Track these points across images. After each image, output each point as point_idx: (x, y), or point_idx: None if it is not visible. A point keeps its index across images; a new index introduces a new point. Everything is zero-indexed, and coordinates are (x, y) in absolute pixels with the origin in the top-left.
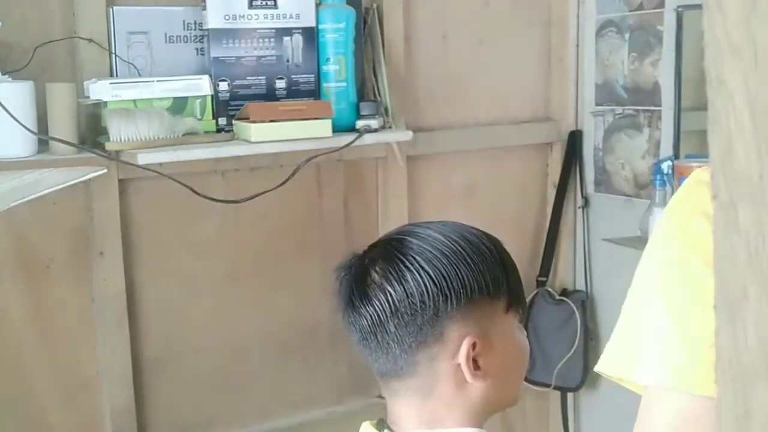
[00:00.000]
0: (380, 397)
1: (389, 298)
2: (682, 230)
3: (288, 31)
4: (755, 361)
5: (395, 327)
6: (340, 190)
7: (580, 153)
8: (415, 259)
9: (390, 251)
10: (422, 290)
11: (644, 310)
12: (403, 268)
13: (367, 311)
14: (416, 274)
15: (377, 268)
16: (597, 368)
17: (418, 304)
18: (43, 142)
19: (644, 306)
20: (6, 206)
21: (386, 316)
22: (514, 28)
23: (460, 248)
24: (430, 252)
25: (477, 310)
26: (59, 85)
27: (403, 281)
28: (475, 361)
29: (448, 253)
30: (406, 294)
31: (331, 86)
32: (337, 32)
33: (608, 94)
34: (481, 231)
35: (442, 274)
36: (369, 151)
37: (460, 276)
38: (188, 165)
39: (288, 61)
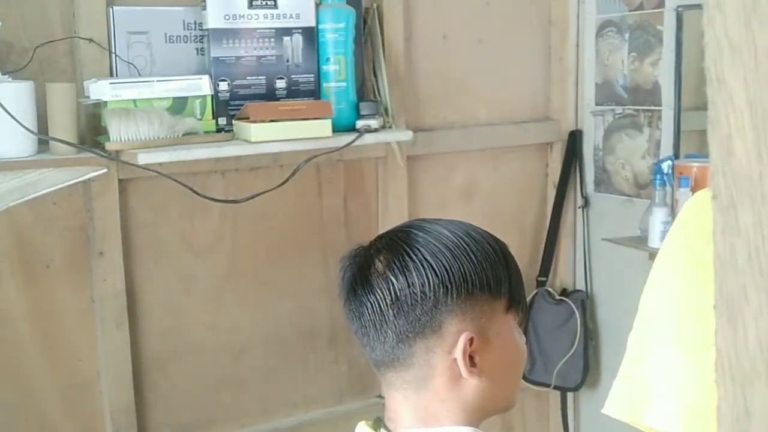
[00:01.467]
0: (380, 396)
1: (391, 287)
2: (693, 259)
3: (288, 31)
4: (755, 361)
5: (394, 316)
6: (340, 190)
7: (580, 153)
8: (419, 250)
9: (395, 242)
10: (423, 281)
11: (653, 343)
12: (407, 258)
13: (369, 299)
14: (419, 264)
15: (381, 258)
16: (605, 411)
17: (419, 294)
18: (43, 142)
19: (653, 338)
20: (6, 206)
21: (386, 305)
22: (514, 28)
23: (464, 243)
24: (435, 245)
25: (477, 307)
26: (59, 85)
27: (405, 271)
28: (471, 357)
29: (452, 247)
30: (408, 284)
31: (331, 86)
32: (337, 32)
33: (608, 94)
34: (489, 233)
35: (445, 267)
36: (369, 151)
37: (462, 270)
38: (188, 165)
39: (288, 61)
